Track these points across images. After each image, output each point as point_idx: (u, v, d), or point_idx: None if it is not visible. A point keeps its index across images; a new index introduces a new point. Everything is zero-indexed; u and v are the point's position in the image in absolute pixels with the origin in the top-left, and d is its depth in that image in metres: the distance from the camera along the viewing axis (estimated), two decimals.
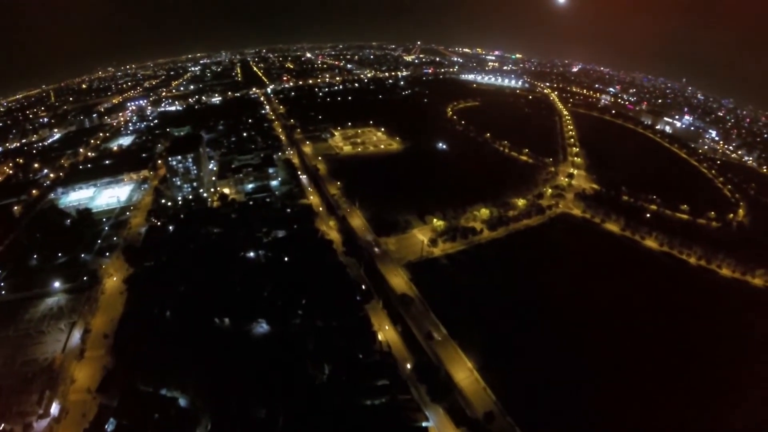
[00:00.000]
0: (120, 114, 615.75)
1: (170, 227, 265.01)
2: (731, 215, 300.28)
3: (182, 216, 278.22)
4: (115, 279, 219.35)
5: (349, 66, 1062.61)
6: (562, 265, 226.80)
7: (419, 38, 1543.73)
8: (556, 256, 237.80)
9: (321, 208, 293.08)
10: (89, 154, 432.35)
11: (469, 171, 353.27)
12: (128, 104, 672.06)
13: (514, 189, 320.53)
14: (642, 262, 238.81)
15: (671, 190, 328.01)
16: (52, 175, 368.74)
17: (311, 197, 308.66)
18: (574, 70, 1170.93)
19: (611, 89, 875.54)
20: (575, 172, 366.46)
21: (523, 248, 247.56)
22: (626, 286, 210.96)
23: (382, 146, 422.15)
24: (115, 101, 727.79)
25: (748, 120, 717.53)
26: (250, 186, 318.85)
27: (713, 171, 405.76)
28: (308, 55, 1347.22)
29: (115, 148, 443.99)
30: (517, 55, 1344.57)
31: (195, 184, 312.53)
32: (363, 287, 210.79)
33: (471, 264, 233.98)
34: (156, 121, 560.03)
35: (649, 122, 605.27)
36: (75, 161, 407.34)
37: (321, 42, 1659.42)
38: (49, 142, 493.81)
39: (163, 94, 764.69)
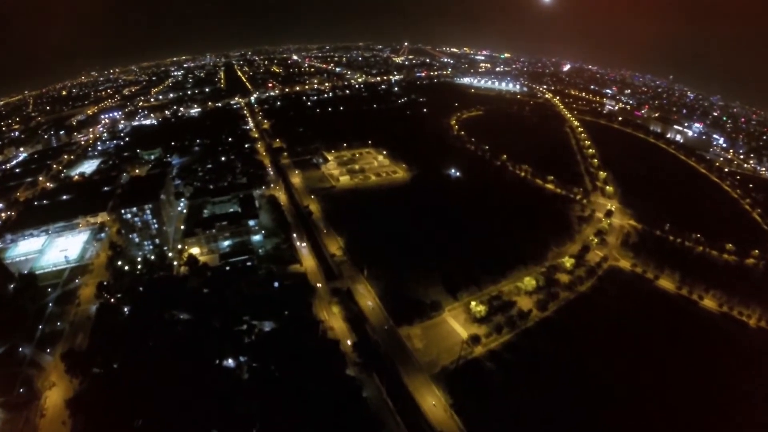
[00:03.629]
0: (91, 129, 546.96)
1: (126, 308, 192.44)
2: None
3: (141, 289, 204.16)
4: (57, 391, 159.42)
5: (337, 69, 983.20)
6: (624, 349, 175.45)
7: (406, 38, 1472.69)
8: (617, 338, 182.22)
9: (319, 279, 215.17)
10: (48, 184, 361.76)
11: (495, 211, 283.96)
12: (102, 116, 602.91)
13: (552, 235, 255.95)
14: (703, 331, 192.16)
15: (707, 219, 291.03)
16: (3, 215, 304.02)
17: (304, 259, 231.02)
18: (565, 69, 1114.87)
19: (608, 90, 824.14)
20: (612, 206, 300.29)
21: (579, 330, 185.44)
22: (696, 373, 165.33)
23: (385, 174, 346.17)
24: (89, 112, 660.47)
25: (743, 120, 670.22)
26: (227, 243, 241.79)
27: (738, 191, 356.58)
28: (294, 57, 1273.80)
29: (77, 176, 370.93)
30: (506, 55, 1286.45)
31: (157, 240, 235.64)
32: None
33: (523, 365, 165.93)
34: (127, 138, 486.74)
35: (659, 130, 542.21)
36: (31, 195, 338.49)
37: (307, 43, 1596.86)
38: (12, 164, 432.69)
39: (140, 104, 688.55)
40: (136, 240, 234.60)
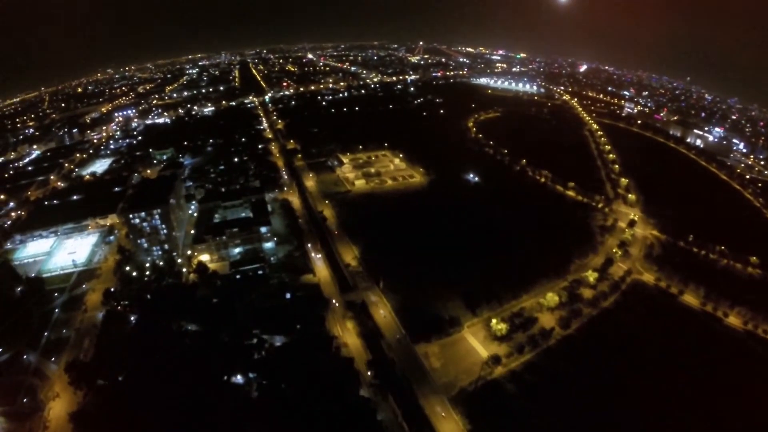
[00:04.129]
0: (104, 127, 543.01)
1: (132, 317, 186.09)
2: None
3: (149, 297, 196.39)
4: (60, 402, 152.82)
5: (353, 68, 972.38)
6: (649, 371, 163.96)
7: (421, 37, 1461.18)
8: (641, 358, 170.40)
9: (332, 290, 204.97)
10: (59, 183, 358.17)
11: (516, 219, 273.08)
12: (116, 114, 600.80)
13: (575, 246, 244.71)
14: (728, 352, 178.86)
15: (730, 230, 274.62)
16: (13, 214, 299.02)
17: (318, 268, 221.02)
18: (581, 70, 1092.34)
19: (625, 92, 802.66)
20: (634, 216, 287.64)
21: (603, 349, 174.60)
22: (723, 398, 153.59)
23: (401, 178, 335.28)
24: (103, 110, 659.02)
25: (762, 124, 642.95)
26: (237, 251, 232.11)
27: (760, 199, 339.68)
28: (309, 56, 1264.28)
29: (88, 176, 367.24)
30: (522, 55, 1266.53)
31: (166, 246, 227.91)
32: None
33: (545, 387, 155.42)
34: (140, 137, 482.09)
35: (679, 134, 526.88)
36: (42, 194, 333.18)
37: (322, 42, 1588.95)
38: (25, 161, 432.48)
39: (154, 102, 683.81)
40: (145, 245, 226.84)
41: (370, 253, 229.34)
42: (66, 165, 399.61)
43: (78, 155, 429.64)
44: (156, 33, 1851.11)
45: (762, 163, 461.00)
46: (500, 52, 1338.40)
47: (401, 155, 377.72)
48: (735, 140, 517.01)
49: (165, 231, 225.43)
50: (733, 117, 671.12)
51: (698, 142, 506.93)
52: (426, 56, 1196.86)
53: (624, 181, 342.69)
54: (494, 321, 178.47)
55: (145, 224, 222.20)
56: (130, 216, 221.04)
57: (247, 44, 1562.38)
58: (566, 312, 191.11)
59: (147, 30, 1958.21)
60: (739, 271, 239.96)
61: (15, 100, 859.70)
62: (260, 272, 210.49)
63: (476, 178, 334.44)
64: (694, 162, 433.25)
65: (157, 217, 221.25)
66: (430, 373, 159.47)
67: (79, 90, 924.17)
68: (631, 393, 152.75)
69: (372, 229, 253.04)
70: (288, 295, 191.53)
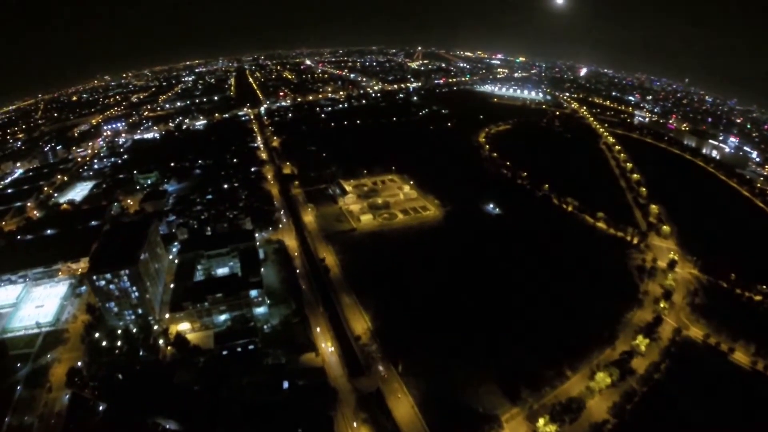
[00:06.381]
0: (91, 143, 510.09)
1: (101, 405, 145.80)
2: None
3: (120, 377, 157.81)
4: None
5: (352, 75, 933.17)
6: None
7: (419, 42, 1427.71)
8: None
9: (339, 374, 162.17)
10: (35, 213, 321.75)
11: (548, 263, 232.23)
12: (105, 127, 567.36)
13: (617, 299, 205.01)
14: None
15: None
16: None
17: (320, 342, 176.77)
18: (582, 74, 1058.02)
19: (630, 97, 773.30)
20: (673, 253, 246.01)
21: None
22: None
23: (413, 211, 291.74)
24: (94, 122, 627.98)
25: (765, 127, 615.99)
26: (223, 318, 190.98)
27: None
28: (308, 62, 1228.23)
29: (65, 204, 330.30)
30: (521, 59, 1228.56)
31: (140, 310, 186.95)
32: None
33: None
34: (126, 156, 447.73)
35: (694, 144, 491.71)
36: (16, 226, 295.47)
37: (320, 47, 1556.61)
38: (6, 182, 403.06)
39: (145, 113, 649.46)
40: (115, 310, 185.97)
41: (384, 320, 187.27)
42: (45, 189, 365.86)
43: (59, 177, 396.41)
44: (155, 38, 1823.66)
45: None
46: (499, 56, 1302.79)
47: (411, 182, 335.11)
48: (747, 148, 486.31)
49: (137, 293, 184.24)
50: (737, 121, 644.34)
51: (714, 153, 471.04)
52: (425, 61, 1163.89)
53: (654, 208, 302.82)
54: (541, 421, 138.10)
55: (112, 286, 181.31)
56: (94, 278, 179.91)
57: (245, 50, 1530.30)
58: (619, 396, 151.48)
59: (146, 35, 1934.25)
60: None
61: (11, 108, 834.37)
62: (251, 347, 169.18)
63: (497, 209, 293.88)
64: (715, 178, 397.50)
65: (125, 278, 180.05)
66: None
67: (74, 98, 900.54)
68: None
69: (384, 283, 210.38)
70: (286, 384, 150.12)
